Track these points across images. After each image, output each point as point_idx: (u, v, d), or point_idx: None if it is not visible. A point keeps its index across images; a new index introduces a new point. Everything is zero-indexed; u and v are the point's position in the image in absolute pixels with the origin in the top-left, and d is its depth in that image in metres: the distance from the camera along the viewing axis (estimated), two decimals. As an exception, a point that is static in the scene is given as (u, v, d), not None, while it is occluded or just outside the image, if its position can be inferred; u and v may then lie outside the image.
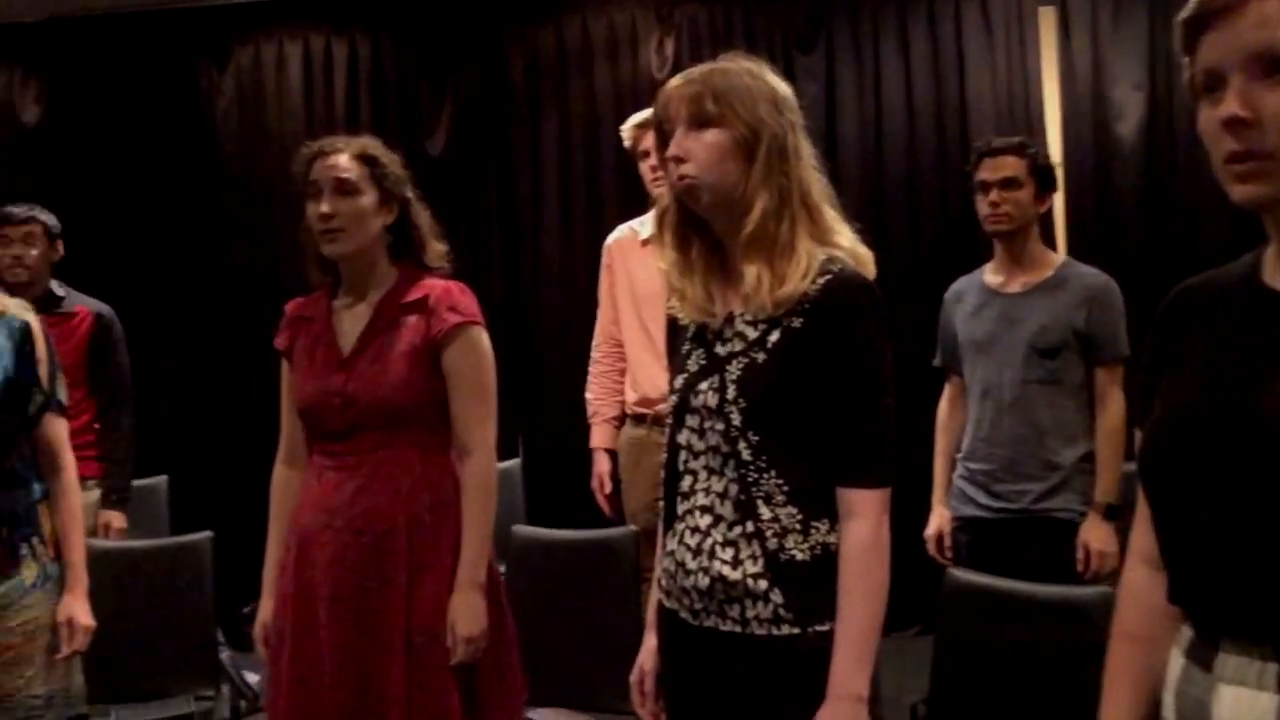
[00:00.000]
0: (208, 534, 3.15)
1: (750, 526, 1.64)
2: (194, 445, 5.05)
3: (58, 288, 3.57)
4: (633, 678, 1.85)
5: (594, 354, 3.42)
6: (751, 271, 1.64)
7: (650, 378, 3.16)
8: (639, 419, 3.27)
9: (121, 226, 5.21)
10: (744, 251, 1.66)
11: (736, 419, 1.64)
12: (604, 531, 2.98)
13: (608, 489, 3.33)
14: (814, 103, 4.68)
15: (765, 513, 1.63)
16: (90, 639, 2.36)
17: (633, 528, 2.96)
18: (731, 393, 1.65)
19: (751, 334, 1.66)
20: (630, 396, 3.29)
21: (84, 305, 3.57)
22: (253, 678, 4.33)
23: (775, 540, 1.63)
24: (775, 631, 1.63)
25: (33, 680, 2.31)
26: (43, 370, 2.37)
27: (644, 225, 3.33)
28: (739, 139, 1.63)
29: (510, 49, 5.17)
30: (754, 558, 1.63)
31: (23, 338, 2.34)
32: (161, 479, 4.17)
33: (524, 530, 2.92)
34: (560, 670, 2.42)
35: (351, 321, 2.32)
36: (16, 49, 5.41)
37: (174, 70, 5.32)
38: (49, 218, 3.56)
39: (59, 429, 2.41)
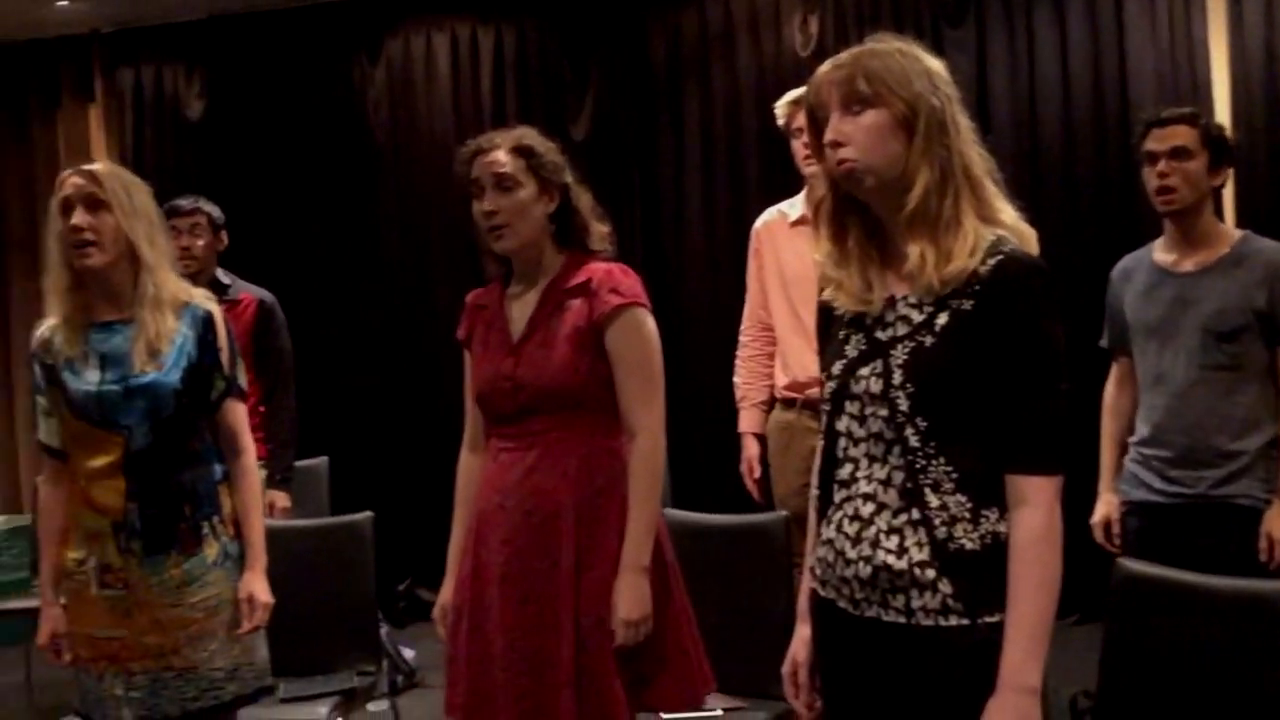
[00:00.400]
0: (368, 514, 3.23)
1: (916, 514, 1.60)
2: (352, 428, 5.22)
3: (223, 276, 3.71)
4: (785, 669, 1.83)
5: (742, 338, 3.39)
6: (915, 250, 1.61)
7: (800, 361, 3.12)
8: (789, 403, 3.23)
9: (282, 216, 5.41)
10: (906, 231, 1.62)
11: (903, 404, 1.60)
12: (754, 516, 2.96)
13: (757, 474, 3.31)
14: (965, 78, 4.50)
15: (933, 500, 1.60)
16: (269, 615, 2.45)
17: (783, 513, 2.93)
18: (898, 377, 1.61)
19: (917, 317, 1.63)
20: (780, 380, 3.26)
21: (248, 293, 3.70)
22: (409, 653, 4.47)
23: (944, 529, 1.59)
24: (942, 622, 1.59)
25: (215, 654, 2.42)
26: (224, 357, 2.47)
27: (793, 207, 3.29)
28: (897, 117, 1.60)
29: (652, 31, 5.17)
30: (920, 546, 1.60)
31: (206, 326, 2.44)
32: (322, 460, 4.31)
33: (674, 514, 2.91)
34: (710, 656, 2.41)
35: (521, 308, 2.35)
36: (181, 46, 5.66)
37: (329, 63, 5.49)
38: (213, 209, 3.70)
39: (239, 413, 2.51)
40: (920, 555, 1.60)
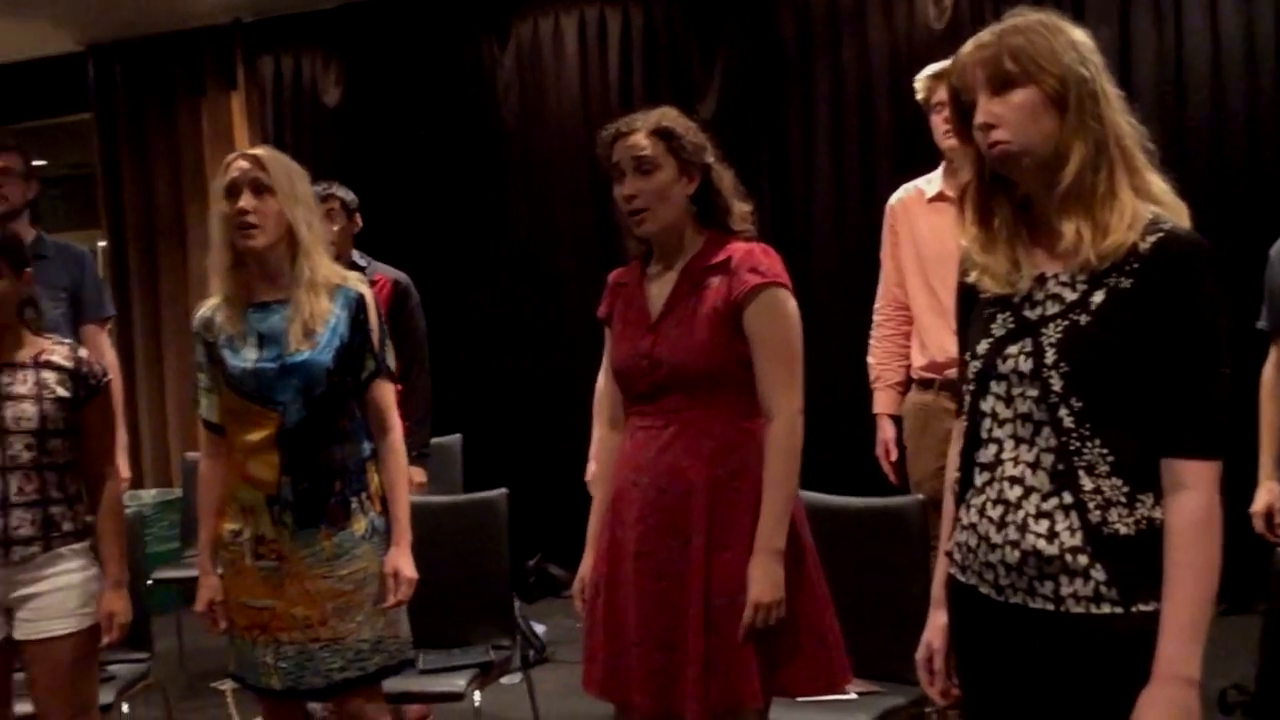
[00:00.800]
0: (503, 491, 3.29)
1: (1068, 498, 1.56)
2: (485, 405, 5.31)
3: (359, 258, 3.80)
4: (920, 655, 1.80)
5: (876, 317, 3.34)
6: (1070, 227, 1.57)
7: (938, 341, 3.06)
8: (925, 384, 3.17)
9: (415, 198, 5.53)
10: (1061, 207, 1.58)
11: (1057, 384, 1.56)
12: (890, 499, 2.91)
13: (894, 456, 3.26)
14: (1107, 47, 4.35)
15: (1087, 484, 1.55)
16: (413, 590, 2.51)
17: (919, 496, 2.88)
18: (1050, 357, 1.56)
19: (1070, 295, 1.58)
20: (917, 361, 3.20)
21: (383, 274, 3.79)
22: (539, 629, 4.54)
23: (1098, 513, 1.54)
24: (1094, 610, 1.54)
25: (361, 626, 2.49)
26: (374, 338, 2.53)
27: (930, 183, 3.22)
28: (1047, 93, 1.56)
29: (781, 7, 5.11)
30: (1072, 531, 1.55)
31: (358, 307, 2.51)
32: (455, 437, 4.39)
33: (808, 496, 2.89)
34: (847, 640, 2.38)
35: (660, 287, 2.35)
36: (319, 34, 5.81)
37: (459, 48, 5.57)
38: (346, 193, 3.79)
39: (387, 393, 2.57)
40: (1072, 540, 1.55)
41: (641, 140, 2.28)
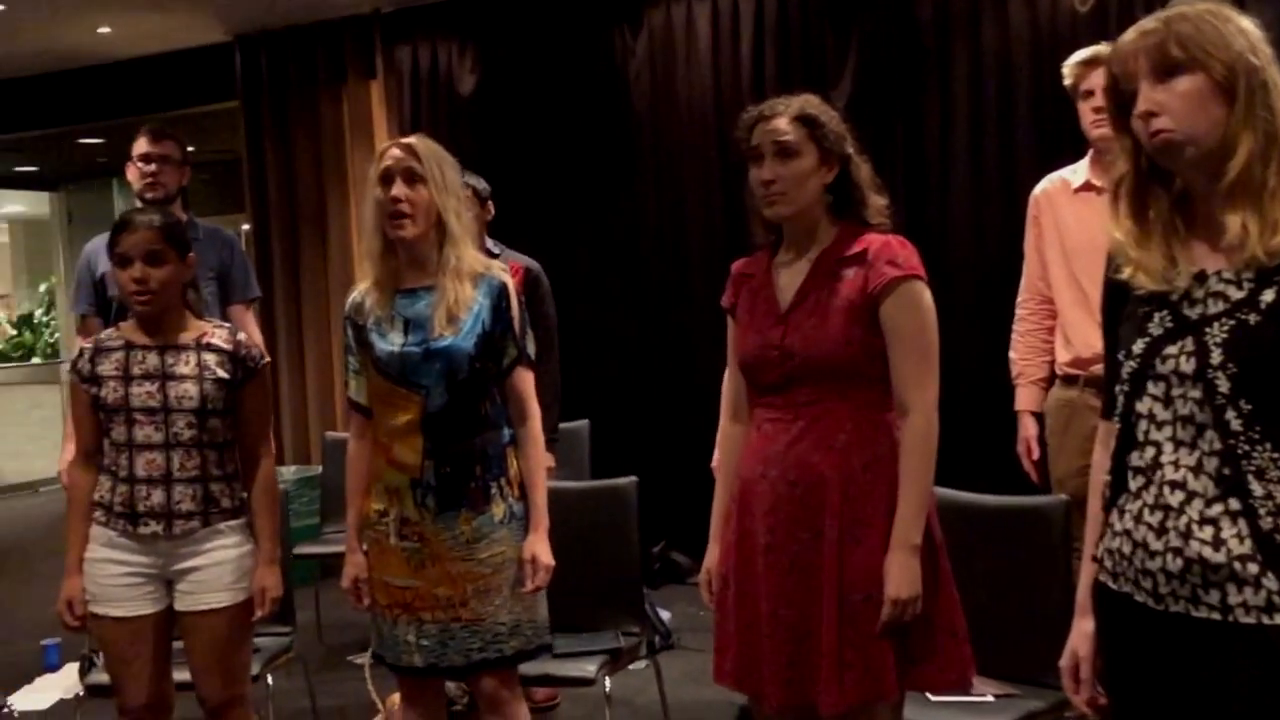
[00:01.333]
0: (633, 479, 3.31)
1: (1235, 504, 1.50)
2: (612, 392, 5.35)
3: (492, 246, 3.85)
4: (1064, 663, 1.75)
5: (1019, 311, 3.26)
6: (1235, 221, 1.50)
7: (1083, 336, 2.97)
8: (1070, 380, 3.08)
9: (547, 186, 5.58)
10: (1225, 201, 1.52)
11: (1224, 386, 1.50)
12: (1031, 499, 2.84)
13: (1035, 454, 3.18)
14: (1272, 36, 4.19)
15: (1257, 489, 1.48)
16: (550, 576, 2.55)
17: (1062, 496, 2.80)
18: (1216, 357, 1.50)
19: (1235, 293, 1.52)
20: (1061, 356, 3.11)
21: (516, 261, 3.83)
22: (664, 615, 4.56)
23: (1270, 519, 1.48)
24: (1266, 620, 1.48)
25: (500, 609, 2.54)
26: (516, 326, 2.58)
27: (1076, 172, 3.12)
28: (1216, 81, 1.50)
29: (918, -10, 5.00)
30: (1240, 538, 1.49)
31: (500, 296, 2.56)
32: (583, 423, 4.43)
33: (944, 493, 2.84)
34: (984, 640, 2.33)
35: (790, 277, 2.32)
36: (454, 23, 5.90)
37: (591, 36, 5.60)
38: (478, 181, 3.84)
39: (527, 381, 2.62)
40: (1241, 548, 1.49)
41: (784, 125, 2.26)
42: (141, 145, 3.80)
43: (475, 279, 2.55)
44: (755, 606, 2.28)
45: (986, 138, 4.88)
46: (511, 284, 2.59)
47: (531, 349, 2.63)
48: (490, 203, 3.89)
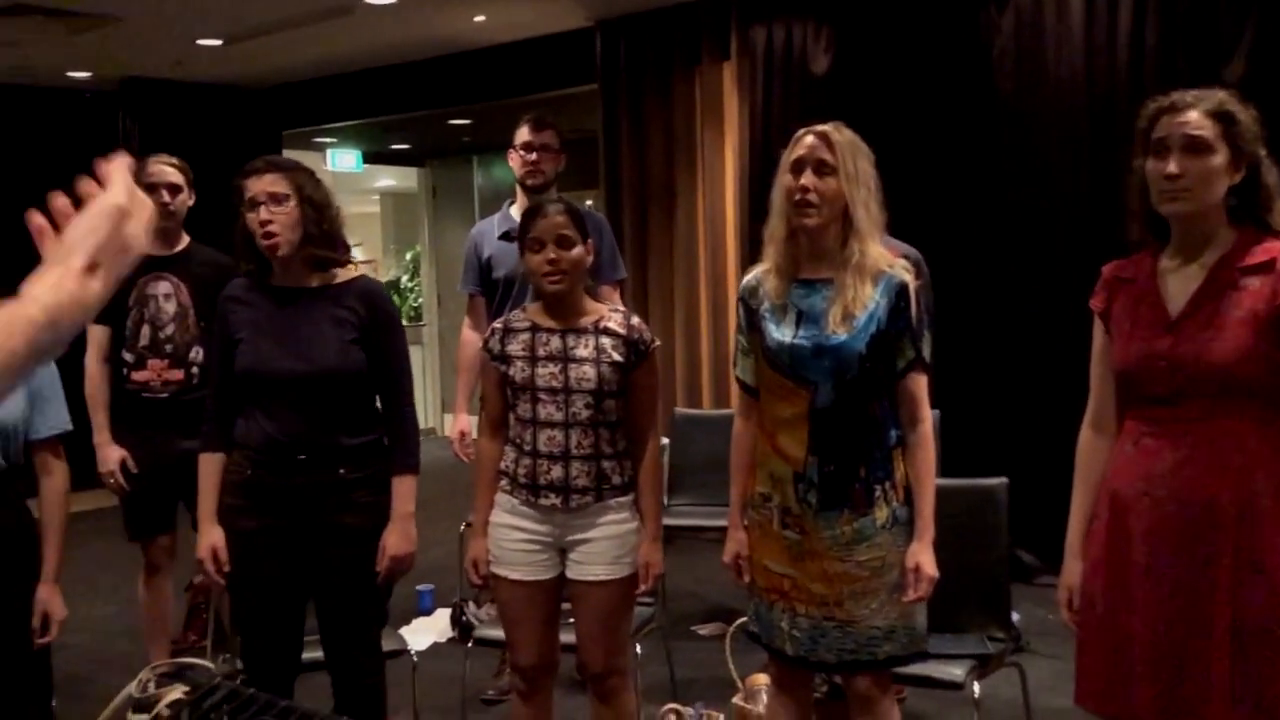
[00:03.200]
0: (1003, 480, 3.22)
1: None
2: (962, 383, 5.21)
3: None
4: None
5: None
6: None
7: None
8: None
9: (905, 169, 5.45)
10: None
11: None
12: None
13: None
14: None
15: None
16: (932, 588, 2.50)
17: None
18: None
19: None
20: None
21: (895, 248, 3.73)
22: (1014, 617, 4.42)
23: None
24: None
25: (875, 613, 2.52)
26: (913, 327, 2.52)
27: None
28: None
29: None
30: None
31: (899, 295, 2.51)
32: (935, 414, 4.31)
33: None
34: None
35: (1180, 283, 2.19)
36: (811, 2, 5.87)
37: (954, 14, 5.43)
38: None
39: (921, 384, 2.56)
40: None
41: (1198, 119, 2.13)
42: (524, 134, 3.98)
43: (876, 277, 2.50)
44: (1128, 631, 2.18)
45: None
46: (913, 285, 2.53)
47: (928, 351, 2.58)
48: None
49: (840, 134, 2.53)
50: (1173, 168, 2.13)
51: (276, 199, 2.73)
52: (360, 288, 2.84)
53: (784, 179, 2.52)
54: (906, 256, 3.73)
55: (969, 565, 3.16)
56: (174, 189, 3.92)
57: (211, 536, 2.83)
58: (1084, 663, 2.29)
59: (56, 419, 2.69)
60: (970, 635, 3.12)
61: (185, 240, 4.02)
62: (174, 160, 3.98)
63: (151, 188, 3.88)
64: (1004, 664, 3.17)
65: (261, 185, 2.74)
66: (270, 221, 2.72)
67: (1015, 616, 4.39)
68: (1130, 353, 2.23)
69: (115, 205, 1.06)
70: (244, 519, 2.80)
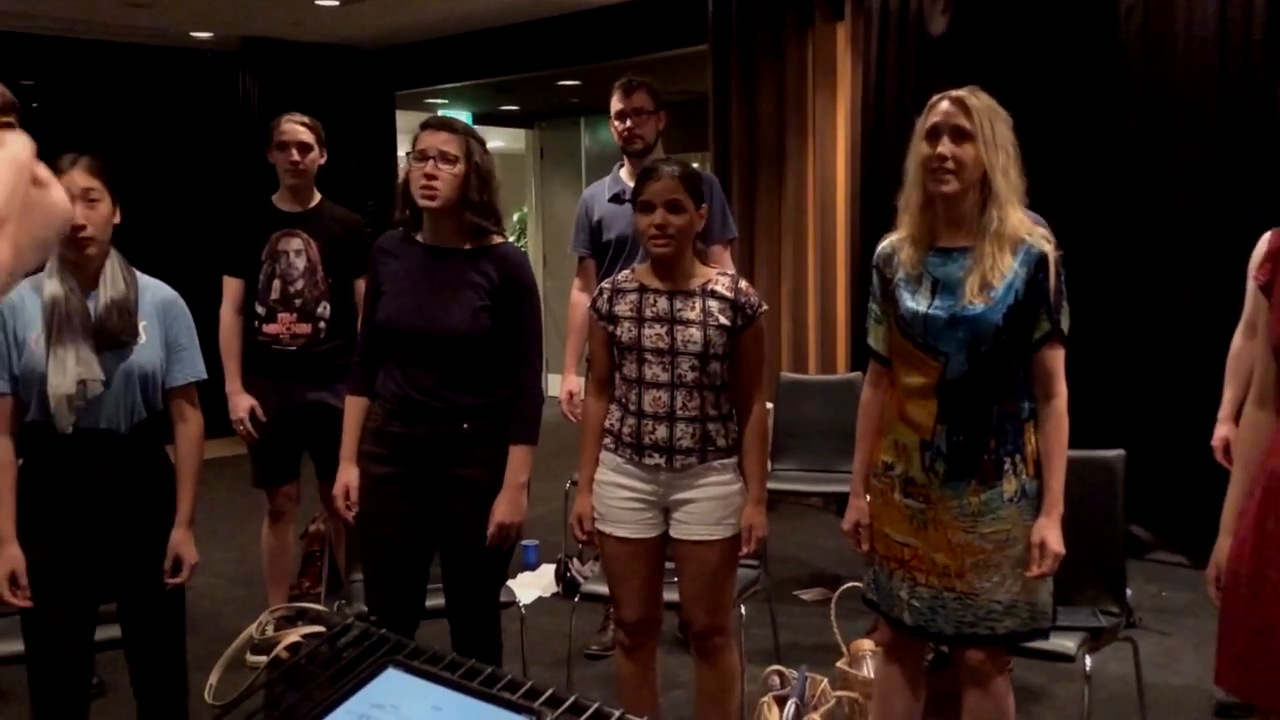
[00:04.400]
0: (1120, 452, 3.14)
1: None
2: (1080, 351, 5.08)
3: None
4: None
5: None
6: None
7: None
8: None
9: (1024, 135, 5.30)
10: None
11: None
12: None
13: None
14: None
15: None
16: (1058, 565, 2.46)
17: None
18: None
19: None
20: None
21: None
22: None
23: None
24: None
25: (997, 586, 2.49)
26: (1051, 299, 2.46)
27: None
28: None
29: None
30: None
31: (1039, 266, 2.44)
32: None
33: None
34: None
35: None
36: (929, -37, 5.73)
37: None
38: None
39: (1057, 358, 2.49)
40: None
41: None
42: (616, 103, 3.93)
43: (1015, 245, 2.44)
44: (1272, 615, 2.10)
45: None
46: (1053, 255, 2.46)
47: (1066, 324, 2.50)
48: None
49: (977, 98, 2.47)
50: None
51: (446, 158, 2.77)
52: (501, 254, 2.87)
53: (920, 146, 2.46)
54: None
55: (1083, 538, 3.06)
56: (304, 147, 4.01)
57: (347, 475, 2.93)
58: (1225, 644, 2.22)
59: (192, 367, 2.79)
60: (1082, 608, 3.06)
61: (317, 198, 4.11)
62: (305, 119, 4.05)
63: (282, 146, 3.98)
64: (1116, 639, 3.10)
65: (435, 141, 2.78)
66: (435, 178, 2.76)
67: (1128, 592, 4.32)
68: None
69: (16, 158, 1.03)
70: (377, 465, 2.88)
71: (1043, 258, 2.45)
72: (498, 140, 11.51)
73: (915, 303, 2.50)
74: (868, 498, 2.66)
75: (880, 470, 2.60)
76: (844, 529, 2.70)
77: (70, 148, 2.66)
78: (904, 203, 2.55)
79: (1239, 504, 2.26)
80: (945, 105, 2.45)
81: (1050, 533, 2.45)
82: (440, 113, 9.61)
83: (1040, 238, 2.48)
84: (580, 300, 4.01)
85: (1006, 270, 2.43)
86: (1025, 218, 2.49)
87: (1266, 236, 2.32)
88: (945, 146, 2.41)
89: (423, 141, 2.80)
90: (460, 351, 2.81)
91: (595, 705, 0.96)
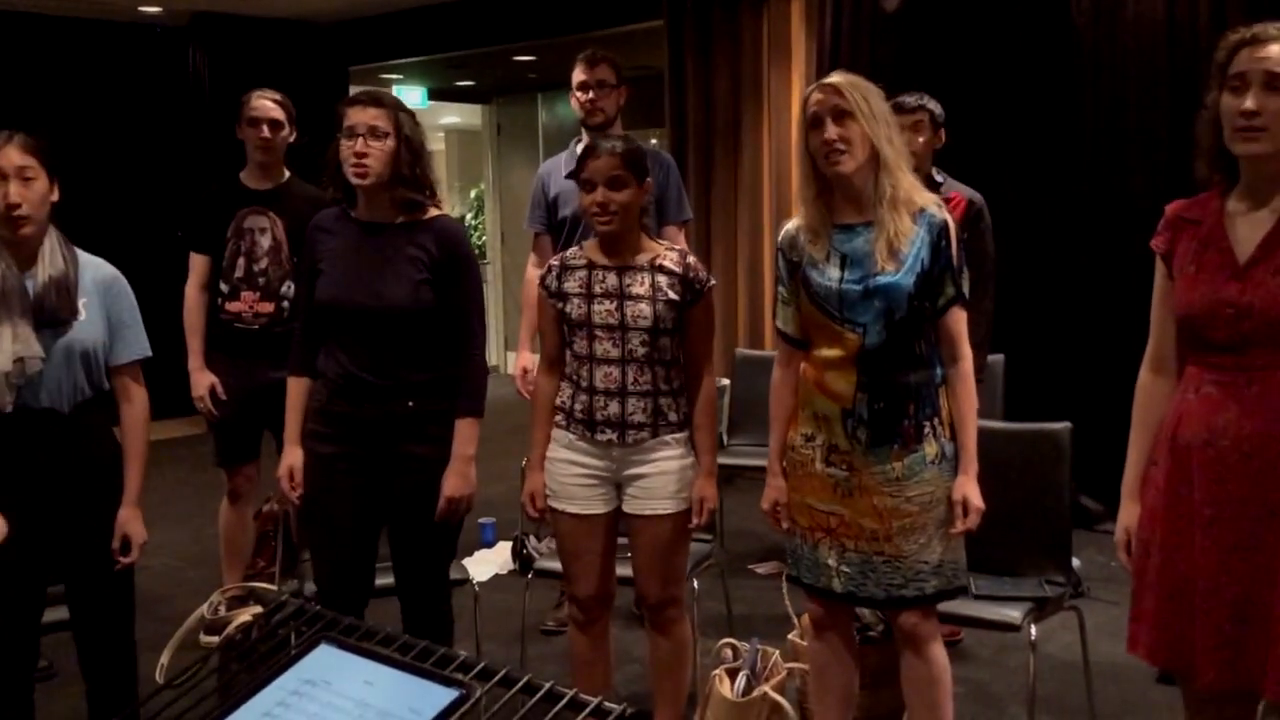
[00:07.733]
0: (1066, 425, 3.19)
1: None
2: (1029, 325, 5.15)
3: (936, 174, 3.77)
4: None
5: None
6: None
7: None
8: None
9: (977, 110, 5.35)
10: None
11: None
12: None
13: None
14: None
15: None
16: (980, 519, 2.53)
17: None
18: None
19: None
20: None
21: (958, 192, 3.73)
22: (1074, 562, 4.39)
23: None
24: None
25: (924, 548, 2.56)
26: (955, 264, 2.55)
27: None
28: None
29: None
30: None
31: (940, 233, 2.53)
32: (998, 358, 4.29)
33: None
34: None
35: (1249, 227, 2.12)
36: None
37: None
38: (936, 106, 3.75)
39: (961, 321, 2.58)
40: None
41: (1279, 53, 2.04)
42: (578, 74, 3.89)
43: (914, 212, 2.52)
44: (1186, 580, 2.15)
45: None
46: (952, 223, 2.56)
47: (966, 287, 2.59)
48: (943, 130, 3.79)
49: (846, 79, 2.55)
50: (1250, 104, 2.04)
51: (375, 133, 2.75)
52: (439, 227, 2.85)
53: (807, 140, 2.55)
54: (971, 201, 3.70)
55: (1031, 509, 3.16)
56: (275, 124, 3.97)
57: (291, 457, 2.91)
58: (1137, 610, 2.27)
59: (136, 345, 2.76)
60: (1029, 579, 3.11)
61: (286, 175, 4.07)
62: (276, 95, 4.01)
63: (253, 122, 3.93)
64: (1062, 608, 3.15)
65: (363, 117, 2.76)
66: (365, 155, 2.74)
67: (1076, 563, 4.38)
68: (1194, 298, 2.16)
69: None
70: (322, 444, 2.87)
71: (944, 226, 2.54)
72: (454, 116, 11.43)
73: (827, 279, 2.56)
74: (785, 473, 2.70)
75: (799, 443, 2.65)
76: (763, 509, 2.74)
77: (14, 125, 2.62)
78: (799, 194, 2.65)
79: (1141, 469, 2.31)
80: (818, 94, 2.53)
81: (970, 489, 2.54)
82: (395, 89, 9.55)
83: (935, 207, 2.56)
84: (535, 277, 3.98)
85: (909, 234, 2.50)
86: (916, 181, 2.58)
87: (1169, 206, 2.34)
88: (831, 130, 2.49)
89: (351, 118, 2.77)
90: (402, 326, 2.80)
91: (526, 678, 0.97)
